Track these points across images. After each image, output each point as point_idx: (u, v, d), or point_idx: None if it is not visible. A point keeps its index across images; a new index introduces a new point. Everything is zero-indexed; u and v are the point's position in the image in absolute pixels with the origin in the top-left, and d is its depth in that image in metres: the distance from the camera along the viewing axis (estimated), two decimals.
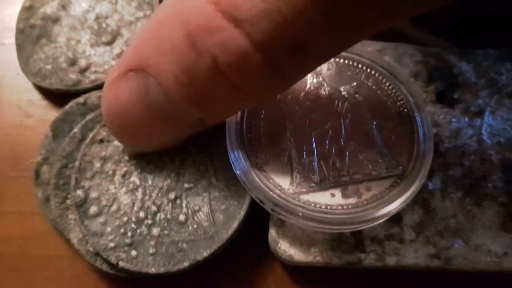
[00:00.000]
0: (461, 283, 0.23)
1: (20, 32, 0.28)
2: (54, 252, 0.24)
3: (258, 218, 0.23)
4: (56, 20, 0.27)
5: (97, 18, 0.27)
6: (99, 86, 0.26)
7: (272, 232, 0.23)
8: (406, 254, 0.22)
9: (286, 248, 0.22)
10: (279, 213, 0.21)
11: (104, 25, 0.27)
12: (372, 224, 0.21)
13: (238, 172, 0.22)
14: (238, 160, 0.22)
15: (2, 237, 0.24)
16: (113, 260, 0.21)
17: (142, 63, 0.18)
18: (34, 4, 0.28)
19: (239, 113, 0.23)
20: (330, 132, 0.23)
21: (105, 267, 0.22)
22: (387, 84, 0.24)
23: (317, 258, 0.22)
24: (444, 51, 0.27)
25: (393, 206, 0.21)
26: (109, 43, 0.26)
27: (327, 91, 0.24)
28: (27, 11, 0.28)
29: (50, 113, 0.27)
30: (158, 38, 0.18)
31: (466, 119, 0.25)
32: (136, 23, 0.27)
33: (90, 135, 0.24)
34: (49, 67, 0.26)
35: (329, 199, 0.22)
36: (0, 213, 0.25)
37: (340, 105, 0.24)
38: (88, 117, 0.24)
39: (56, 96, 0.27)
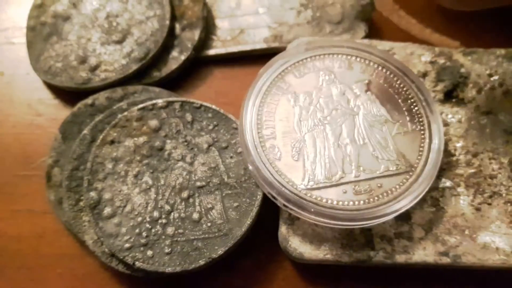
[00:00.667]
0: (469, 280, 0.24)
1: (31, 29, 0.28)
2: (65, 250, 0.24)
3: (269, 216, 0.24)
4: (67, 18, 0.27)
5: (108, 16, 0.27)
6: (109, 85, 0.26)
7: (283, 230, 0.23)
8: (415, 251, 0.23)
9: (296, 246, 0.23)
10: (291, 208, 0.21)
11: (114, 24, 0.27)
12: (383, 220, 0.22)
13: (250, 168, 0.22)
14: (251, 156, 0.22)
15: (14, 235, 0.25)
16: (129, 260, 0.22)
17: None
18: (45, 2, 0.28)
19: (252, 109, 0.23)
20: (342, 128, 0.23)
21: (121, 268, 0.22)
22: (398, 82, 0.24)
23: (327, 256, 0.22)
24: (452, 51, 0.27)
25: (404, 203, 0.22)
26: (120, 41, 0.27)
27: (339, 88, 0.24)
28: (38, 8, 0.28)
29: (60, 112, 0.27)
30: None
31: (475, 118, 0.25)
32: (147, 22, 0.27)
33: (101, 137, 0.24)
34: (59, 65, 0.26)
35: (341, 195, 0.22)
36: (12, 211, 0.25)
37: (352, 102, 0.24)
38: (97, 118, 0.25)
39: (67, 95, 0.27)
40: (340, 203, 0.22)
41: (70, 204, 0.23)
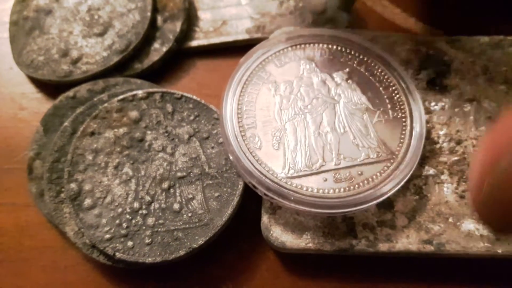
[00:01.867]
0: (454, 268, 0.23)
1: (13, 24, 0.28)
2: (48, 243, 0.24)
3: (252, 206, 0.24)
4: (49, 12, 0.27)
5: (89, 9, 0.27)
6: (91, 77, 0.26)
7: (265, 220, 0.23)
8: (398, 240, 0.22)
9: (278, 235, 0.22)
10: (271, 197, 0.21)
11: (96, 17, 0.27)
12: (364, 208, 0.22)
13: (231, 157, 0.22)
14: (231, 146, 0.22)
15: None
16: (110, 251, 0.22)
17: None
18: None
19: (232, 99, 0.23)
20: (323, 117, 0.23)
21: (102, 259, 0.22)
22: (379, 70, 0.24)
23: (309, 245, 0.22)
24: (435, 39, 0.27)
25: (385, 190, 0.22)
26: (101, 34, 0.27)
27: (320, 77, 0.24)
28: (21, 3, 0.28)
29: (43, 106, 0.27)
30: None
31: (458, 105, 0.25)
32: (128, 14, 0.27)
33: (81, 128, 0.24)
34: (41, 58, 0.26)
35: (321, 183, 0.22)
36: None
37: (332, 90, 0.24)
38: (78, 111, 0.25)
39: (49, 88, 0.27)
40: (321, 191, 0.22)
41: (51, 196, 0.23)
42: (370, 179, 0.22)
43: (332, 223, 0.23)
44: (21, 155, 0.26)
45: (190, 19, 0.28)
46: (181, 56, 0.28)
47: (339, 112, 0.23)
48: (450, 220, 0.23)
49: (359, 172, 0.22)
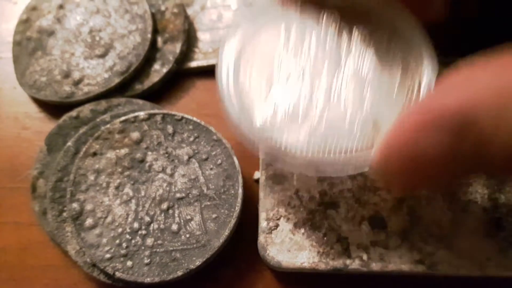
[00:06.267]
0: (446, 286, 0.24)
1: (17, 44, 0.28)
2: (51, 262, 0.25)
3: (249, 226, 0.24)
4: (51, 33, 0.28)
5: (91, 31, 0.28)
6: (93, 98, 0.27)
7: (261, 239, 0.23)
8: (391, 259, 0.23)
9: (274, 255, 0.23)
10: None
11: (97, 38, 0.28)
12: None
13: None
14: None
15: (0, 247, 0.25)
16: (109, 270, 0.22)
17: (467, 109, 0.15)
18: (31, 17, 0.29)
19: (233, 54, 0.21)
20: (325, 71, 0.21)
21: (102, 277, 0.23)
22: None
23: (304, 264, 0.23)
24: None
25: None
26: (102, 56, 0.27)
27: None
28: (24, 23, 0.29)
29: (46, 125, 0.27)
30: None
31: None
32: (129, 36, 0.27)
33: (84, 149, 0.24)
34: (44, 79, 0.27)
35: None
36: None
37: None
38: (81, 131, 0.25)
39: (52, 108, 0.28)
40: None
41: (54, 215, 0.24)
42: None
43: (327, 243, 0.23)
44: (25, 174, 0.26)
45: (190, 40, 0.29)
46: (181, 76, 0.29)
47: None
48: (442, 240, 0.23)
49: None
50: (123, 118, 0.25)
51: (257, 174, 0.26)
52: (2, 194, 0.26)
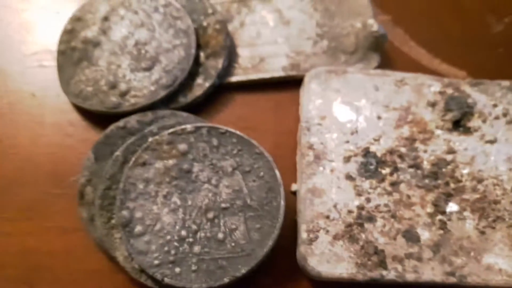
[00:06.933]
0: None
1: (61, 53, 0.29)
2: (96, 267, 0.26)
3: (288, 235, 0.25)
4: (96, 44, 0.29)
5: (136, 44, 0.29)
6: (138, 109, 0.27)
7: (301, 250, 0.25)
8: (424, 271, 0.24)
9: (314, 265, 0.24)
10: None
11: (143, 51, 0.29)
12: None
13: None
14: None
15: (45, 251, 0.26)
16: (159, 277, 0.23)
17: None
18: (75, 28, 0.29)
19: None
20: None
21: (149, 283, 0.24)
22: None
23: (343, 275, 0.24)
24: (460, 82, 0.29)
25: None
26: (148, 68, 0.28)
27: None
28: (68, 34, 0.29)
29: (89, 133, 0.28)
30: None
31: (481, 146, 0.27)
32: (173, 50, 0.28)
33: (133, 159, 0.25)
34: (90, 89, 0.28)
35: None
36: (44, 228, 0.26)
37: None
38: (129, 141, 0.26)
39: (95, 117, 0.29)
40: None
41: (103, 222, 0.25)
42: None
43: (365, 255, 0.24)
44: (69, 180, 0.27)
45: (231, 55, 0.30)
46: (221, 90, 0.30)
47: None
48: (472, 254, 0.25)
49: None
50: (171, 130, 0.26)
51: (294, 186, 0.27)
52: (47, 199, 0.27)
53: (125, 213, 0.24)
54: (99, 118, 0.28)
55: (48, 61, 0.30)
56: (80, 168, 0.26)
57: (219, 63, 0.29)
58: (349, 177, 0.26)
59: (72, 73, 0.29)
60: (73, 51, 0.29)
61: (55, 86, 0.29)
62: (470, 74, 0.30)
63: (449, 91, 0.28)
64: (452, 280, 0.24)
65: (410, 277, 0.24)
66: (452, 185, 0.26)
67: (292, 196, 0.27)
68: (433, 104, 0.28)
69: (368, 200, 0.26)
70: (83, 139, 0.28)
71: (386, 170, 0.26)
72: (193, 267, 0.23)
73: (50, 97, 0.29)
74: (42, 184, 0.27)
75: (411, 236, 0.25)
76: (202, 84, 0.28)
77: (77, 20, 0.30)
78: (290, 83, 0.30)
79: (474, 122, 0.28)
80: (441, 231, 0.25)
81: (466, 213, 0.26)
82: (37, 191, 0.27)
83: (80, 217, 0.26)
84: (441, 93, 0.28)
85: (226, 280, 0.23)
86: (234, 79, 0.29)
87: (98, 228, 0.25)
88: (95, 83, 0.28)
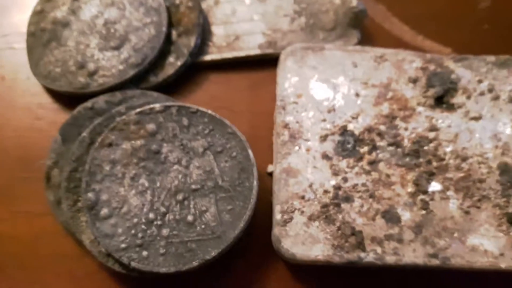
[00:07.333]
0: (458, 280, 0.24)
1: (31, 35, 0.28)
2: (63, 251, 0.25)
3: (262, 218, 0.25)
4: (66, 24, 0.28)
5: (106, 23, 0.28)
6: (107, 90, 0.27)
7: (276, 231, 0.24)
8: (405, 253, 0.23)
9: (288, 247, 0.23)
10: None
11: (112, 30, 0.28)
12: None
13: None
14: None
15: (12, 236, 0.25)
16: (125, 260, 0.22)
17: None
18: (45, 9, 0.29)
19: None
20: None
21: (117, 267, 0.23)
22: None
23: (318, 257, 0.23)
24: (443, 57, 0.27)
25: None
26: (117, 47, 0.27)
27: None
28: (38, 15, 0.29)
29: (59, 116, 0.27)
30: None
31: (465, 123, 0.26)
32: (144, 29, 0.27)
33: (99, 139, 0.24)
34: (58, 70, 0.27)
35: None
36: (11, 212, 0.26)
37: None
38: (96, 122, 0.25)
39: (65, 99, 0.28)
40: None
41: (69, 205, 0.24)
42: None
43: (342, 236, 0.23)
44: (38, 164, 0.26)
45: (204, 34, 0.29)
46: (194, 69, 0.29)
47: None
48: (456, 235, 0.24)
49: None
50: (138, 109, 0.25)
51: (270, 167, 0.26)
52: (14, 183, 0.26)
53: (90, 195, 0.23)
54: (69, 100, 0.28)
55: (18, 43, 0.30)
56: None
57: (192, 41, 0.28)
58: (325, 157, 0.25)
59: (41, 55, 0.28)
60: (43, 32, 0.28)
61: (25, 68, 0.29)
62: (455, 51, 0.29)
63: (432, 67, 0.27)
64: (435, 262, 0.23)
65: (390, 259, 0.23)
66: (434, 164, 0.25)
67: (268, 177, 0.26)
68: (414, 81, 0.27)
69: (345, 179, 0.24)
70: (53, 122, 0.27)
71: (364, 149, 0.25)
72: (161, 251, 0.23)
73: (20, 80, 0.29)
74: (10, 168, 0.27)
75: (391, 217, 0.24)
76: (173, 63, 0.27)
77: (47, 0, 0.29)
78: (267, 62, 0.29)
79: (458, 99, 0.26)
80: (423, 212, 0.24)
81: (449, 193, 0.24)
82: (5, 175, 0.26)
83: (47, 200, 0.25)
84: (423, 69, 0.27)
85: (195, 263, 0.22)
86: (208, 57, 0.28)
87: (65, 211, 0.24)
88: (64, 64, 0.27)
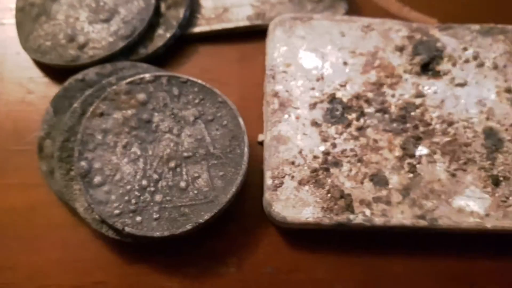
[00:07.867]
0: (446, 241, 0.25)
1: (19, 10, 0.28)
2: (58, 221, 0.25)
3: (254, 184, 0.25)
4: None
5: None
6: (97, 62, 0.27)
7: (267, 196, 0.24)
8: (393, 215, 0.24)
9: (279, 210, 0.24)
10: None
11: (101, 3, 0.28)
12: None
13: None
14: None
15: (6, 208, 0.25)
16: (119, 226, 0.23)
17: None
18: None
19: None
20: None
21: (111, 234, 0.23)
22: None
23: (308, 219, 0.23)
24: (429, 26, 0.28)
25: None
26: (107, 20, 0.27)
27: None
28: None
29: (50, 90, 0.28)
30: None
31: (451, 89, 0.26)
32: (133, 1, 0.28)
33: (90, 109, 0.24)
34: (48, 43, 0.27)
35: None
36: (4, 185, 0.26)
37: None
38: (87, 93, 0.25)
39: (56, 73, 0.28)
40: None
41: (62, 174, 0.24)
42: None
43: (331, 199, 0.24)
44: (30, 137, 0.26)
45: (192, 6, 0.29)
46: (184, 42, 0.29)
47: None
48: (442, 196, 0.24)
49: None
50: (129, 79, 0.25)
51: (261, 137, 0.27)
52: (7, 156, 0.26)
53: (83, 163, 0.24)
54: (60, 73, 0.28)
55: (7, 19, 0.30)
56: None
57: (180, 13, 0.28)
58: (314, 124, 0.25)
59: (31, 29, 0.28)
60: (32, 7, 0.28)
61: (15, 43, 0.28)
62: (440, 21, 0.30)
63: (418, 35, 0.28)
64: (423, 223, 0.24)
65: (378, 221, 0.24)
66: (421, 129, 0.26)
67: (259, 147, 0.26)
68: (401, 49, 0.27)
69: (334, 145, 0.25)
70: (44, 96, 0.28)
71: (352, 116, 0.26)
72: (155, 216, 0.23)
73: (10, 55, 0.29)
74: (2, 141, 0.27)
75: (379, 180, 0.24)
76: (163, 35, 0.28)
77: None
78: (256, 33, 0.29)
79: (444, 66, 0.27)
80: (411, 175, 0.25)
81: (436, 156, 0.25)
82: None
83: (40, 170, 0.25)
84: (409, 37, 0.27)
85: (188, 227, 0.23)
86: (197, 29, 0.29)
87: (58, 180, 0.24)
88: (54, 37, 0.27)
